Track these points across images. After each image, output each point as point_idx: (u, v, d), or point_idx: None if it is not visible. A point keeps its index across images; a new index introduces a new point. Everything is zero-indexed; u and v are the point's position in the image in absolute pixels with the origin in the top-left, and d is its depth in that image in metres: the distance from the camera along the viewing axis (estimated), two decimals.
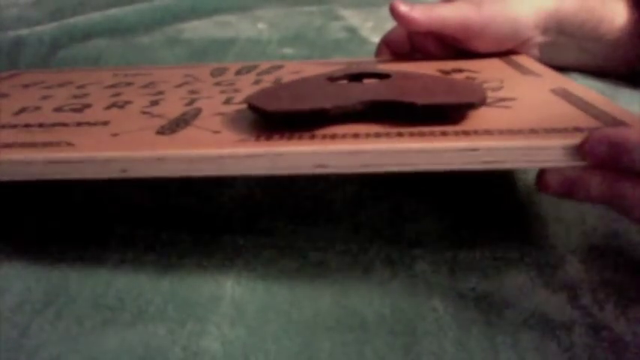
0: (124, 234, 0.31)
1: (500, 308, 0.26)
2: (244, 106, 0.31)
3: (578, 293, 0.26)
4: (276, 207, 0.33)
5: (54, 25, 0.63)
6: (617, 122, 0.26)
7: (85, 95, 0.39)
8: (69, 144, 0.28)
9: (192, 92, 0.38)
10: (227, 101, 0.34)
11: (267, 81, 0.40)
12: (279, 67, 0.46)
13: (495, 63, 0.42)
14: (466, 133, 0.26)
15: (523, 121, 0.27)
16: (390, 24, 0.46)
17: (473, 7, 0.41)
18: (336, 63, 0.47)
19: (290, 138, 0.26)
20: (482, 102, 0.27)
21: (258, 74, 0.43)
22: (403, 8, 0.41)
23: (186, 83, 0.41)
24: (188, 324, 0.25)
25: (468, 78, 0.38)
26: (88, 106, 0.35)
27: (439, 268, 0.28)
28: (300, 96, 0.29)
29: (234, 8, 0.69)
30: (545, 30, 0.43)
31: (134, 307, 0.26)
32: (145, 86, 0.41)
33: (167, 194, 0.34)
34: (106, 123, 0.31)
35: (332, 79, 0.34)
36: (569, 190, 0.26)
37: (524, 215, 0.32)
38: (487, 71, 0.39)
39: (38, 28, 0.62)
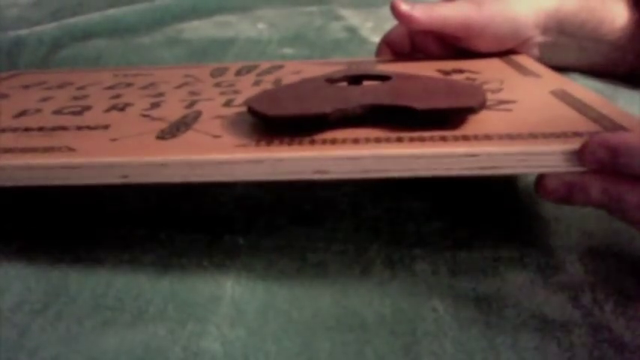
0: (124, 234, 0.31)
1: (500, 308, 0.26)
2: (244, 108, 0.31)
3: (578, 293, 0.26)
4: (276, 207, 0.33)
5: (54, 25, 0.63)
6: (616, 126, 0.26)
7: (85, 97, 0.38)
8: (70, 149, 0.28)
9: (193, 93, 0.38)
10: (227, 103, 0.34)
11: (267, 81, 0.40)
12: (280, 67, 0.46)
13: (495, 63, 0.42)
14: (466, 137, 0.26)
15: (522, 125, 0.27)
16: (390, 24, 0.46)
17: (473, 7, 0.42)
18: (336, 63, 0.47)
19: (290, 143, 0.26)
20: (482, 106, 0.27)
21: (258, 74, 0.43)
22: (404, 7, 0.41)
23: (186, 84, 0.41)
24: (188, 324, 0.25)
25: (468, 79, 0.38)
26: (87, 108, 0.35)
27: (439, 268, 0.28)
28: (299, 99, 0.29)
29: (234, 8, 0.69)
30: (545, 30, 0.43)
31: (134, 307, 0.26)
32: (145, 87, 0.41)
33: (167, 194, 0.34)
34: (106, 127, 0.31)
35: (331, 80, 0.34)
36: (568, 194, 0.26)
37: (524, 215, 0.32)
38: (487, 72, 0.39)
39: (38, 28, 0.62)
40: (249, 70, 0.45)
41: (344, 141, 0.26)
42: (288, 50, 0.58)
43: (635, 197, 0.24)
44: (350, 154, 0.25)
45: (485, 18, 0.41)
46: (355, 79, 0.35)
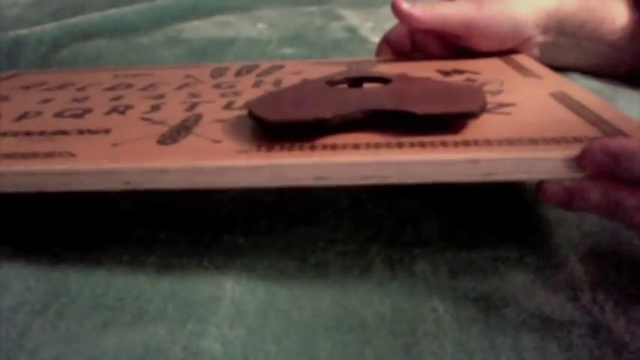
0: (124, 234, 0.31)
1: (500, 308, 0.26)
2: (244, 111, 0.31)
3: (578, 293, 0.26)
4: (276, 207, 0.33)
5: (54, 25, 0.63)
6: (615, 130, 0.26)
7: (86, 99, 0.38)
8: (71, 154, 0.28)
9: (193, 95, 0.37)
10: (227, 106, 0.34)
11: (268, 82, 0.40)
12: (280, 67, 0.46)
13: (495, 63, 0.42)
14: (466, 143, 0.26)
15: (522, 130, 0.27)
16: (389, 24, 0.46)
17: (474, 6, 0.42)
18: (337, 63, 0.47)
19: (290, 149, 0.26)
20: (482, 110, 0.27)
21: (259, 75, 0.43)
22: (405, 6, 0.41)
23: (186, 85, 0.41)
24: (188, 324, 0.25)
25: (468, 79, 0.38)
26: (88, 111, 0.35)
27: (439, 268, 0.28)
28: (300, 103, 0.29)
29: (234, 8, 0.69)
30: (545, 30, 0.43)
31: (134, 307, 0.26)
32: (145, 88, 0.41)
33: (167, 194, 0.34)
34: (107, 131, 0.31)
35: (332, 83, 0.34)
36: (568, 199, 0.26)
37: (524, 215, 0.32)
38: (487, 72, 0.39)
39: (38, 28, 0.62)
40: (249, 70, 0.45)
41: (344, 146, 0.26)
42: (288, 50, 0.58)
43: (635, 202, 0.24)
44: (350, 161, 0.25)
45: (486, 17, 0.42)
46: (356, 82, 0.35)
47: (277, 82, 0.40)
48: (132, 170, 0.26)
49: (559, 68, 0.45)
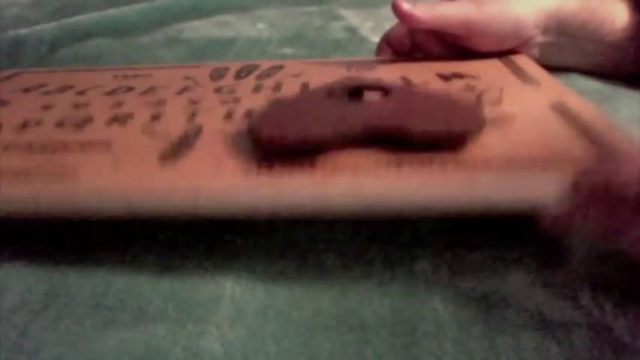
0: (124, 234, 0.31)
1: (500, 308, 0.26)
2: (244, 122, 0.32)
3: (578, 293, 0.26)
4: None
5: (54, 24, 0.63)
6: (613, 150, 0.27)
7: (86, 105, 0.38)
8: (73, 174, 0.28)
9: (193, 102, 0.37)
10: (228, 115, 0.34)
11: (267, 87, 0.40)
12: (280, 67, 0.46)
13: (496, 66, 0.42)
14: (464, 164, 0.26)
15: (520, 150, 0.27)
16: (389, 24, 0.46)
17: (475, 6, 0.42)
18: (337, 62, 0.47)
19: (291, 170, 0.26)
20: (481, 129, 0.28)
21: (258, 77, 0.43)
22: (405, 6, 0.41)
23: (186, 89, 0.41)
24: (188, 324, 0.25)
25: (467, 85, 0.38)
26: (89, 120, 0.35)
27: (439, 268, 0.28)
28: (300, 121, 0.29)
29: (234, 8, 0.69)
30: (545, 30, 0.43)
31: (134, 307, 0.26)
32: (145, 93, 0.41)
33: None
34: (108, 145, 0.31)
35: (332, 93, 0.34)
36: (566, 225, 0.26)
37: (525, 215, 0.32)
38: (487, 77, 0.40)
39: (38, 28, 0.62)
40: (249, 71, 0.45)
41: (344, 167, 0.26)
42: (288, 50, 0.58)
43: (630, 229, 0.24)
44: (350, 191, 0.25)
45: (486, 17, 0.42)
46: (355, 91, 0.35)
47: (277, 87, 0.40)
48: (134, 197, 0.26)
49: (559, 68, 0.46)
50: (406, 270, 0.28)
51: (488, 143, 0.28)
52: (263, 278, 0.28)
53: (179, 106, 0.37)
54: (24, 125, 0.35)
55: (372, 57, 0.49)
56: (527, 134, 0.29)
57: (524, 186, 0.25)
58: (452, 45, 0.45)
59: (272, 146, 0.27)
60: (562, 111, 0.32)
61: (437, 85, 0.39)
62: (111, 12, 0.66)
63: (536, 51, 0.44)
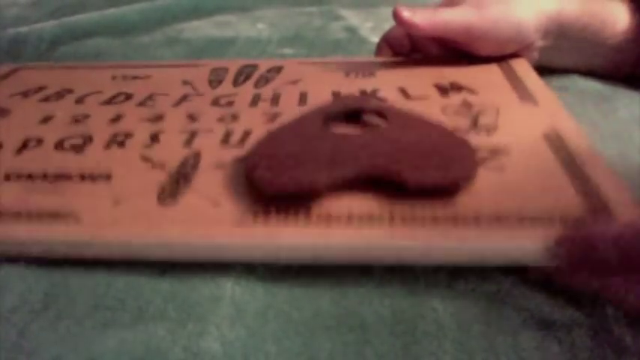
0: None
1: (500, 308, 0.26)
2: (241, 149, 0.33)
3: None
4: None
5: (54, 23, 0.63)
6: (602, 205, 0.27)
7: (85, 117, 0.39)
8: (75, 217, 0.29)
9: (191, 118, 0.38)
10: (225, 139, 0.35)
11: (265, 99, 0.41)
12: (279, 69, 0.46)
13: (494, 74, 0.42)
14: (455, 219, 0.27)
15: (509, 203, 0.28)
16: (389, 24, 0.46)
17: (476, 12, 0.41)
18: (336, 64, 0.47)
19: (286, 219, 0.27)
20: (473, 177, 0.29)
21: (257, 83, 0.43)
22: (406, 14, 0.41)
23: (184, 99, 0.41)
24: (188, 324, 0.25)
25: (465, 102, 0.38)
26: (88, 140, 0.36)
27: (439, 268, 0.28)
28: (295, 163, 0.30)
29: (234, 8, 0.69)
30: (546, 34, 0.43)
31: (134, 307, 0.26)
32: (144, 103, 0.41)
33: None
34: (108, 177, 0.32)
35: (329, 117, 0.35)
36: (559, 282, 0.26)
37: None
38: (485, 91, 0.40)
39: (38, 26, 0.62)
40: (247, 75, 0.45)
41: (338, 219, 0.27)
42: (287, 50, 0.58)
43: (616, 288, 0.24)
44: (343, 246, 0.27)
45: (488, 23, 0.41)
46: (353, 114, 0.36)
47: (275, 99, 0.40)
48: (133, 244, 0.28)
49: (559, 69, 0.46)
50: (406, 270, 0.28)
51: (479, 193, 0.29)
52: (263, 278, 0.28)
53: (177, 122, 0.38)
54: (24, 146, 0.35)
55: (372, 57, 0.49)
56: (518, 180, 0.30)
57: (512, 244, 0.26)
58: (452, 48, 0.45)
59: (268, 192, 0.28)
60: (556, 145, 0.32)
61: (435, 102, 0.39)
62: (111, 11, 0.66)
63: (535, 54, 0.44)
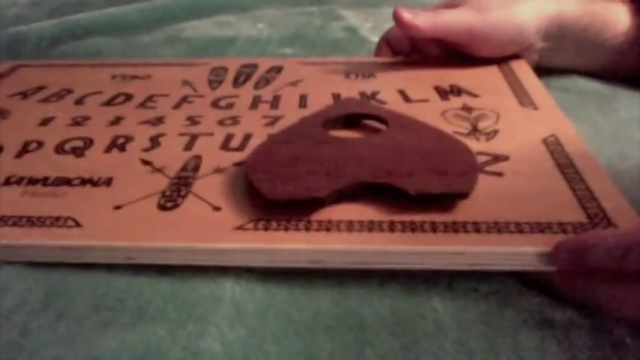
0: None
1: (500, 308, 0.26)
2: (241, 153, 0.33)
3: None
4: None
5: (54, 21, 0.63)
6: (602, 214, 0.27)
7: (85, 119, 0.39)
8: (75, 223, 0.29)
9: (191, 121, 0.38)
10: (225, 144, 0.35)
11: (265, 101, 0.41)
12: (278, 69, 0.46)
13: (495, 76, 0.42)
14: (455, 227, 0.27)
15: (510, 207, 0.28)
16: (389, 24, 0.46)
17: (477, 14, 0.41)
18: (335, 64, 0.47)
19: (287, 227, 0.27)
20: (473, 188, 0.29)
21: (257, 84, 0.43)
22: (407, 16, 0.41)
23: (185, 100, 0.41)
24: (188, 324, 0.25)
25: (465, 107, 0.38)
26: (89, 143, 0.36)
27: (439, 269, 0.28)
28: (295, 172, 0.30)
29: (234, 8, 0.69)
30: (546, 35, 0.43)
31: (134, 307, 0.26)
32: (143, 104, 0.41)
33: None
34: (108, 182, 0.32)
35: (328, 121, 0.35)
36: (556, 289, 0.26)
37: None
38: (485, 94, 0.40)
39: (38, 25, 0.62)
40: (247, 76, 0.45)
41: (339, 225, 0.27)
42: (287, 50, 0.58)
43: (613, 295, 0.24)
44: (344, 249, 0.26)
45: (489, 25, 0.41)
46: (353, 119, 0.36)
47: (275, 101, 0.40)
48: (134, 248, 0.27)
49: (558, 70, 0.46)
50: (406, 271, 0.28)
51: (478, 199, 0.29)
52: (263, 278, 0.28)
53: (177, 125, 0.37)
54: (24, 149, 0.35)
55: (372, 57, 0.49)
56: (517, 186, 0.30)
57: (510, 250, 0.26)
58: (451, 48, 0.44)
59: (269, 200, 0.28)
60: (555, 149, 0.32)
61: (434, 105, 0.39)
62: (111, 10, 0.66)
63: (535, 56, 0.44)
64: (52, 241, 0.28)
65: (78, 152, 0.35)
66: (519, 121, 0.36)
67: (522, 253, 0.26)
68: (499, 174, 0.31)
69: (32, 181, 0.32)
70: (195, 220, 0.28)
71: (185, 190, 0.30)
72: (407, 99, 0.40)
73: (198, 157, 0.33)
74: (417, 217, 0.28)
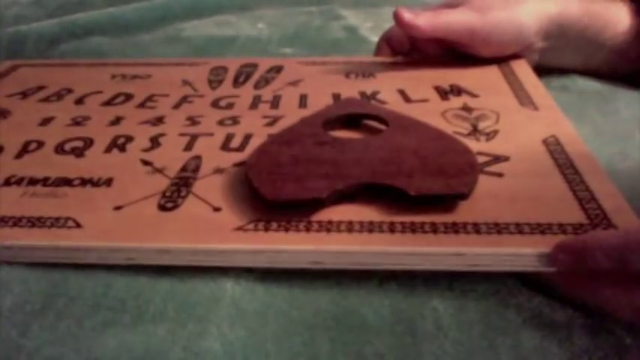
0: None
1: (500, 308, 0.26)
2: (242, 154, 0.33)
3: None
4: None
5: (54, 21, 0.63)
6: (602, 215, 0.27)
7: (85, 120, 0.39)
8: (76, 223, 0.29)
9: (191, 121, 0.38)
10: (225, 144, 0.35)
11: (265, 100, 0.41)
12: (279, 69, 0.46)
13: (495, 76, 0.42)
14: (455, 228, 0.27)
15: (510, 208, 0.28)
16: (389, 24, 0.46)
17: (477, 14, 0.41)
18: (335, 64, 0.47)
19: (287, 228, 0.27)
20: (473, 188, 0.29)
21: (257, 84, 0.43)
22: (407, 16, 0.41)
23: (184, 101, 0.41)
24: (188, 324, 0.25)
25: (465, 107, 0.38)
26: (89, 143, 0.36)
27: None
28: (296, 173, 0.30)
29: (234, 8, 0.69)
30: (546, 35, 0.43)
31: (134, 307, 0.26)
32: (143, 104, 0.41)
33: None
34: (109, 183, 0.32)
35: (328, 121, 0.35)
36: (558, 290, 0.26)
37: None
38: (485, 94, 0.40)
39: (38, 25, 0.62)
40: (247, 75, 0.45)
41: (339, 225, 0.27)
42: (287, 50, 0.58)
43: (613, 295, 0.24)
44: (345, 249, 0.26)
45: (490, 25, 0.41)
46: (353, 120, 0.36)
47: (275, 101, 0.40)
48: (135, 249, 0.27)
49: (558, 70, 0.46)
50: (406, 271, 0.28)
51: (478, 199, 0.29)
52: (263, 278, 0.28)
53: (177, 125, 0.37)
54: (24, 149, 0.35)
55: (372, 57, 0.49)
56: (517, 187, 0.30)
57: (511, 251, 0.26)
58: (451, 48, 0.44)
59: (269, 201, 0.28)
60: (555, 150, 0.33)
61: (435, 105, 0.39)
62: (111, 10, 0.66)
63: (535, 55, 0.44)
64: (52, 242, 0.28)
65: (78, 152, 0.35)
66: (519, 121, 0.36)
67: (522, 254, 0.26)
68: (499, 174, 0.31)
69: (32, 182, 0.32)
70: (196, 220, 0.28)
71: (185, 191, 0.30)
72: (407, 99, 0.40)
73: (198, 158, 0.33)
74: (417, 218, 0.28)
